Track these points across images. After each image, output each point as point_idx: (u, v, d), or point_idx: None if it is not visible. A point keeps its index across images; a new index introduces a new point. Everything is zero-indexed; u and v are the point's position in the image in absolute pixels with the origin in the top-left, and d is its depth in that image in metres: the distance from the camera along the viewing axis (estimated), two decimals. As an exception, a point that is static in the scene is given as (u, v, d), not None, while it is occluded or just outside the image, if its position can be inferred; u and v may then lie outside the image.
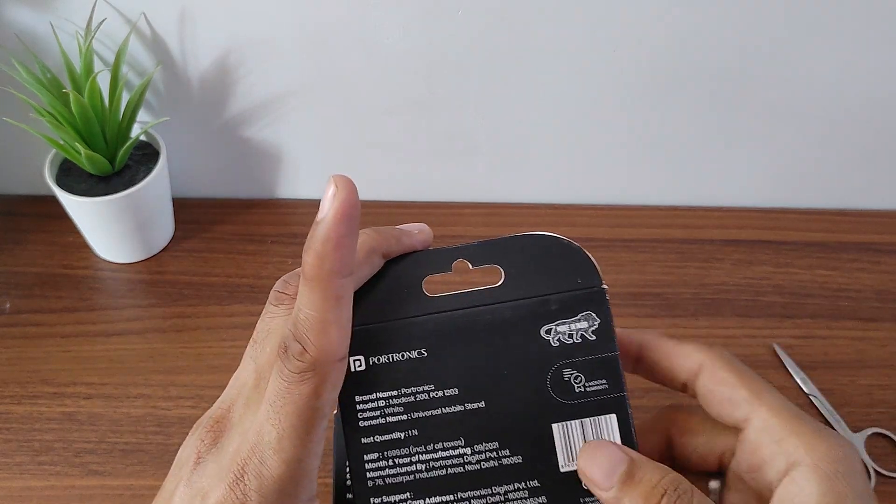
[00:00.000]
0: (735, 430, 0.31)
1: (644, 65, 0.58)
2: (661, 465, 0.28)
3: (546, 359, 0.31)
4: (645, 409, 0.53)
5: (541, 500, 0.30)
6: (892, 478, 0.50)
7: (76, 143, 0.54)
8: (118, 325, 0.58)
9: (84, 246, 0.62)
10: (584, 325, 0.31)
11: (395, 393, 0.31)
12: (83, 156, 0.54)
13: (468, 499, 0.30)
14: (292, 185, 0.67)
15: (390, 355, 0.31)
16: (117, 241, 0.60)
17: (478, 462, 0.30)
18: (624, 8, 0.54)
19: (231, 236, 0.64)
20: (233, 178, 0.67)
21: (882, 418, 0.53)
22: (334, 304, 0.26)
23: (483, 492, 0.30)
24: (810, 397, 0.54)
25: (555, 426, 0.30)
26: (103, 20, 0.55)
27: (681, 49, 0.57)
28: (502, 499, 0.30)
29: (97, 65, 0.57)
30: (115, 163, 0.57)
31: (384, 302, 0.31)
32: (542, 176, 0.66)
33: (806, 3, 0.54)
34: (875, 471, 0.50)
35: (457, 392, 0.30)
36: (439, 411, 0.31)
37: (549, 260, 0.31)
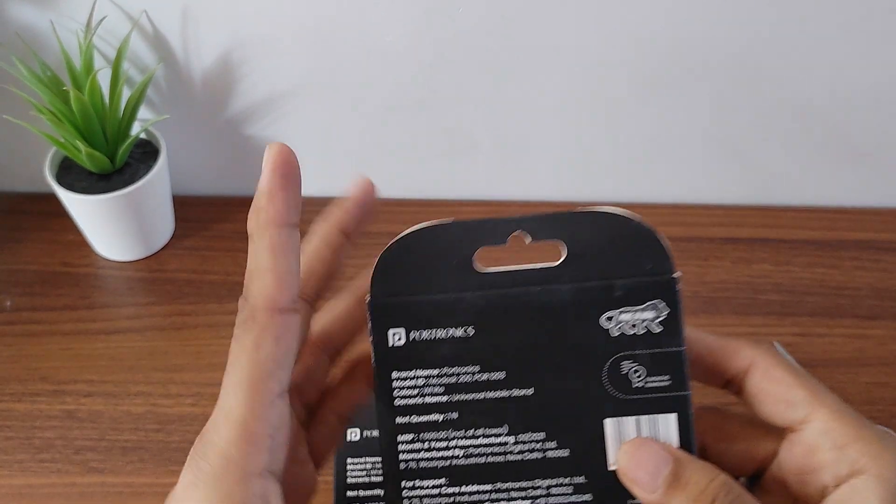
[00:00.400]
0: (779, 433, 0.29)
1: (643, 63, 0.58)
2: (709, 465, 0.27)
3: (605, 348, 0.28)
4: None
5: (586, 498, 0.28)
6: (891, 475, 0.50)
7: (76, 141, 0.54)
8: (118, 323, 0.58)
9: (84, 244, 0.62)
10: (650, 314, 0.29)
11: (435, 372, 0.29)
12: (83, 153, 0.54)
13: (507, 490, 0.28)
14: (292, 183, 0.67)
15: (434, 331, 0.29)
16: (117, 239, 0.60)
17: (521, 453, 0.28)
18: (623, 6, 0.54)
19: (231, 234, 0.64)
20: (233, 175, 0.67)
21: (881, 416, 0.53)
22: (270, 253, 0.26)
23: (524, 484, 0.28)
24: (809, 395, 0.54)
25: (607, 421, 0.28)
26: (104, 18, 0.55)
27: (680, 47, 0.57)
28: (545, 493, 0.28)
29: (98, 62, 0.57)
30: (116, 160, 0.57)
31: (430, 273, 0.29)
32: (542, 174, 0.66)
33: (805, 1, 0.54)
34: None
35: (504, 376, 0.28)
36: (483, 395, 0.28)
37: (617, 240, 0.29)
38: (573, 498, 0.28)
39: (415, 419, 0.28)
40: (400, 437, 0.29)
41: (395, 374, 0.29)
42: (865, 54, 0.57)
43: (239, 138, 0.63)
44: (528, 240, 0.29)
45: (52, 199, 0.58)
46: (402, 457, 0.28)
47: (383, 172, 0.66)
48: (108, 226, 0.58)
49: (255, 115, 0.62)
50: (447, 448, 0.28)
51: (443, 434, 0.28)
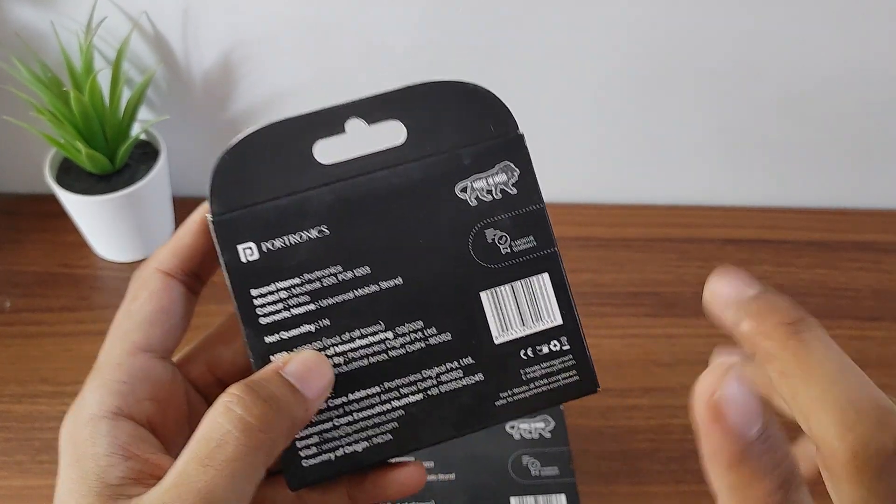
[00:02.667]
0: None
1: (643, 62, 0.58)
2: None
3: (465, 220, 0.28)
4: (643, 408, 0.53)
5: (478, 378, 0.28)
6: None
7: (76, 142, 0.54)
8: (118, 324, 0.58)
9: (84, 245, 0.62)
10: (502, 177, 0.29)
11: (297, 281, 0.27)
12: (83, 154, 0.54)
13: (397, 388, 0.27)
14: (292, 184, 0.67)
15: (286, 238, 0.27)
16: (117, 240, 0.60)
17: (402, 346, 0.27)
18: (622, 5, 0.54)
19: (231, 235, 0.64)
20: (233, 176, 0.66)
21: (881, 417, 0.53)
22: (182, 227, 0.30)
23: (412, 378, 0.27)
24: (810, 396, 0.54)
25: (483, 294, 0.28)
26: (104, 18, 0.55)
27: (680, 47, 0.57)
28: (435, 382, 0.28)
29: (99, 63, 0.57)
30: (116, 161, 0.57)
31: (270, 177, 0.27)
32: (541, 174, 0.66)
33: (806, 2, 0.54)
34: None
35: (369, 270, 0.27)
36: (351, 295, 0.27)
37: (456, 109, 0.29)
38: (465, 381, 0.28)
39: (285, 335, 0.27)
40: (273, 358, 0.27)
41: (254, 292, 0.27)
42: (865, 55, 0.57)
43: (239, 139, 0.63)
44: (364, 125, 0.28)
45: (52, 199, 0.58)
46: None
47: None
48: (108, 227, 0.58)
49: (255, 115, 0.62)
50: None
51: (318, 345, 0.27)
